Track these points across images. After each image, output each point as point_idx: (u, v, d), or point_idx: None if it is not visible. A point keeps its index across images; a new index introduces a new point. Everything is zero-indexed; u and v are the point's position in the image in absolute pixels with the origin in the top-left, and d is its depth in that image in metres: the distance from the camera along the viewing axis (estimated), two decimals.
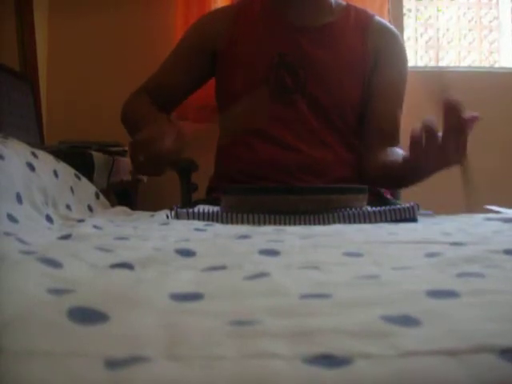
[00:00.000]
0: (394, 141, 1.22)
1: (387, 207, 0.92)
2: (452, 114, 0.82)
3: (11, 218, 0.73)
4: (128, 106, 1.29)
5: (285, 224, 0.87)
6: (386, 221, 0.90)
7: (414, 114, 1.56)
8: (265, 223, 0.87)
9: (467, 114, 0.82)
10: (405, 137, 1.24)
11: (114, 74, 2.07)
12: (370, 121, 1.25)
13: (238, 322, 0.29)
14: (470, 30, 2.42)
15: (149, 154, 0.94)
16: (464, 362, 0.24)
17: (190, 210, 0.91)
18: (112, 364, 0.23)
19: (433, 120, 0.83)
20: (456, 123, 0.81)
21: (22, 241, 0.56)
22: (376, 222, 0.89)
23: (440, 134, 0.83)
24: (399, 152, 1.13)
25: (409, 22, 2.40)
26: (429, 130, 0.83)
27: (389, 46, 1.27)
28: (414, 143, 0.86)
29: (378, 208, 0.92)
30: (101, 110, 2.00)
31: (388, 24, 1.33)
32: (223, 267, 0.47)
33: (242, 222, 0.88)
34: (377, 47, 1.25)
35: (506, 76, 2.22)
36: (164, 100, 1.29)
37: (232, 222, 0.88)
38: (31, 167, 0.87)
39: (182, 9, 2.01)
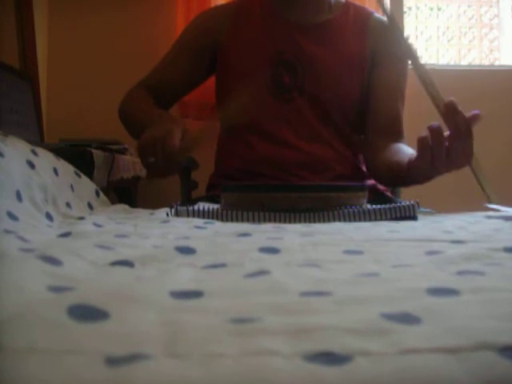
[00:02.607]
0: (397, 136, 1.22)
1: (387, 205, 0.92)
2: (455, 116, 0.82)
3: (11, 216, 0.73)
4: (126, 102, 1.27)
5: (285, 222, 0.87)
6: (386, 219, 0.90)
7: (415, 112, 1.56)
8: (265, 221, 0.87)
9: (469, 112, 0.82)
10: (407, 134, 1.25)
11: (114, 72, 2.07)
12: (372, 117, 1.24)
13: (238, 320, 0.28)
14: (470, 28, 2.42)
15: (160, 154, 0.92)
16: (464, 359, 0.24)
17: (190, 208, 0.91)
18: (112, 361, 0.23)
19: (439, 125, 0.83)
20: (461, 126, 0.81)
21: (21, 238, 0.56)
22: (376, 219, 0.89)
23: (446, 134, 0.83)
24: (405, 149, 1.12)
25: (409, 20, 2.40)
26: (436, 135, 0.83)
27: (388, 42, 1.26)
28: (423, 148, 0.85)
29: (378, 206, 0.91)
30: (101, 108, 2.01)
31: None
32: (223, 265, 0.47)
33: (242, 220, 0.88)
34: (376, 44, 1.25)
35: (507, 74, 2.23)
36: (163, 96, 1.28)
37: (232, 220, 0.88)
38: (31, 165, 0.87)
39: (182, 8, 2.01)
